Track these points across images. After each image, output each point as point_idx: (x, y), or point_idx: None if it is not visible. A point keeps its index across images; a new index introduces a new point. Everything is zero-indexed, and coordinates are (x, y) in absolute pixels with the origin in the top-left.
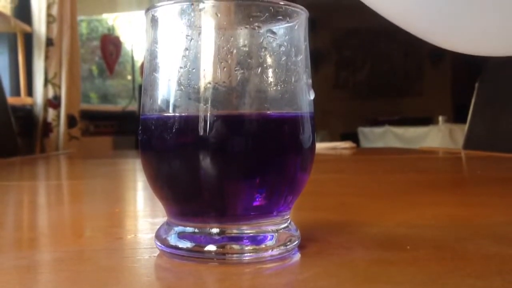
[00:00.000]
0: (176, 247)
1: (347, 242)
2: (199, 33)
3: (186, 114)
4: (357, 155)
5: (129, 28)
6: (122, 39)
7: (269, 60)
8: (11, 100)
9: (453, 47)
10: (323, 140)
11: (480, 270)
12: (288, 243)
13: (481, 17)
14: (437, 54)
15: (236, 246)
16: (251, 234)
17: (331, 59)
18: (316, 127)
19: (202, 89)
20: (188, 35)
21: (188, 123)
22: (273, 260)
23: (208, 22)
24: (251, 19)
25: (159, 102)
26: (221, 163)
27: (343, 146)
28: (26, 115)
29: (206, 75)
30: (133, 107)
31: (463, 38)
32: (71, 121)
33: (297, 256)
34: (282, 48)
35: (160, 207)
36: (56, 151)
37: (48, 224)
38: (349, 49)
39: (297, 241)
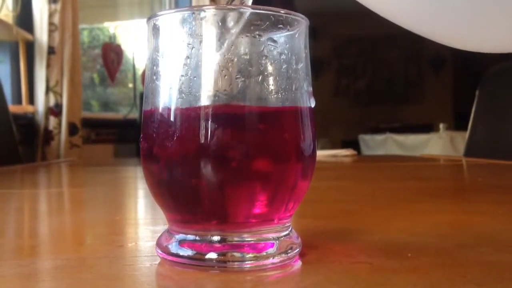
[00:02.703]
0: (177, 255)
1: (348, 249)
2: (200, 42)
3: (187, 122)
4: (358, 163)
5: (131, 37)
6: (123, 47)
7: (270, 68)
8: (12, 108)
9: (467, 46)
10: (324, 147)
11: (481, 277)
12: (289, 251)
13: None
14: (438, 62)
15: (237, 254)
16: (252, 242)
17: (331, 67)
18: (317, 135)
19: (203, 97)
20: (190, 44)
21: (189, 131)
22: (274, 268)
23: (209, 31)
24: (252, 27)
25: (160, 110)
26: (222, 171)
27: (344, 153)
28: (27, 123)
29: (207, 83)
30: (134, 115)
31: (478, 35)
32: (72, 129)
33: (298, 264)
34: (283, 56)
35: (161, 214)
36: (57, 159)
37: (49, 231)
38: (349, 57)
39: (298, 249)
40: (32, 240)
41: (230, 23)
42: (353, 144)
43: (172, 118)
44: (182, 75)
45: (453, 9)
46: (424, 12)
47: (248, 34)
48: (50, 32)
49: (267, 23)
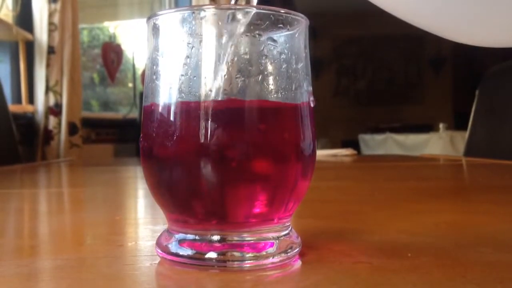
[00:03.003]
0: (177, 255)
1: (348, 249)
2: (200, 41)
3: (187, 121)
4: (358, 162)
5: (130, 36)
6: (123, 47)
7: (269, 68)
8: (12, 107)
9: (474, 41)
10: (324, 147)
11: (481, 277)
12: (289, 250)
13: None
14: (438, 62)
15: (237, 253)
16: (252, 241)
17: (331, 67)
18: (317, 135)
19: (203, 96)
20: (189, 43)
21: (189, 131)
22: (274, 267)
23: (209, 30)
24: (252, 27)
25: (160, 109)
26: (222, 171)
27: (344, 153)
28: (27, 122)
29: (207, 82)
30: (134, 114)
31: (486, 29)
32: (72, 129)
33: (298, 264)
34: (283, 56)
35: (161, 214)
36: (57, 158)
37: (49, 231)
38: (349, 57)
39: (298, 249)
40: (32, 240)
41: (235, 21)
42: (353, 144)
43: (172, 118)
44: (182, 75)
45: (457, 2)
46: (428, 5)
47: (248, 34)
48: (50, 31)
49: (267, 22)
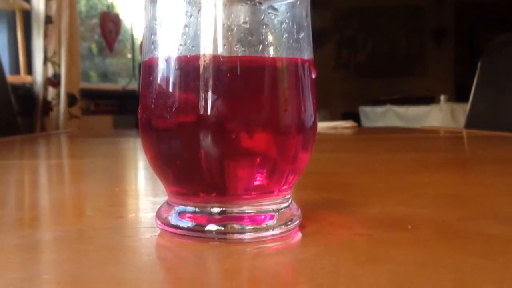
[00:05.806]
0: (176, 226)
1: (348, 221)
2: (199, 10)
3: (186, 92)
4: (358, 135)
5: (129, 5)
6: (121, 16)
7: (270, 38)
8: (10, 78)
9: None
10: (324, 119)
11: (482, 249)
12: (289, 223)
13: None
14: (440, 33)
15: (236, 226)
16: (252, 214)
17: (332, 39)
18: (317, 107)
19: (202, 67)
20: (188, 12)
21: (188, 102)
22: (274, 240)
23: None
24: None
25: (158, 80)
26: (222, 143)
27: (344, 125)
28: (26, 93)
29: (206, 52)
30: (133, 85)
31: None
32: (71, 100)
33: (298, 236)
34: (284, 25)
35: (161, 186)
36: (57, 130)
37: (49, 203)
38: (350, 28)
39: (298, 221)
40: (32, 212)
41: None
42: (354, 116)
43: (170, 89)
44: (180, 45)
45: None
46: None
47: (248, 2)
48: (47, 1)
49: None
